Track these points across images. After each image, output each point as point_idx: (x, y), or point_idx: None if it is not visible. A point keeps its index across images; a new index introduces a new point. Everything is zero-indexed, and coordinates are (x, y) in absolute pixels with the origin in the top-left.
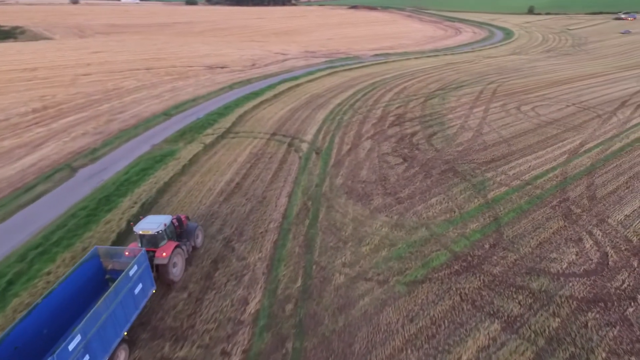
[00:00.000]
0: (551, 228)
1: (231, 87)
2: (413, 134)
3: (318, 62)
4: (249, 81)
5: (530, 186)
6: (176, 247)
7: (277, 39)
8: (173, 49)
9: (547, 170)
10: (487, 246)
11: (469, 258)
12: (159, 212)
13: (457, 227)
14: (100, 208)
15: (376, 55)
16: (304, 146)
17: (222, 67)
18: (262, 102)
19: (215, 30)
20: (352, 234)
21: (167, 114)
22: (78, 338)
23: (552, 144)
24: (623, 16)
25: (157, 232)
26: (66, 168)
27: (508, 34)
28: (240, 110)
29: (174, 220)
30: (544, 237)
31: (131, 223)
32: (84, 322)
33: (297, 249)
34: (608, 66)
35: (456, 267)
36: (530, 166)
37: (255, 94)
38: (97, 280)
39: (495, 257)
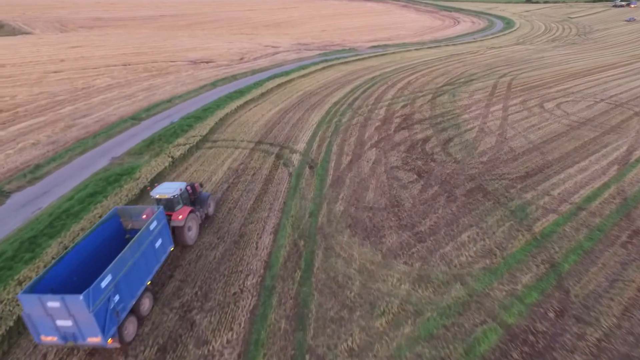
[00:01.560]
0: (633, 282)
1: (214, 84)
2: (425, 140)
3: (311, 55)
4: (234, 77)
5: (584, 212)
6: (191, 211)
7: (268, 31)
8: (156, 43)
9: (599, 189)
10: (551, 314)
11: (531, 338)
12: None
13: (502, 280)
14: (19, 257)
15: (373, 47)
16: (295, 158)
17: (207, 62)
18: (247, 102)
19: (204, 23)
20: (360, 293)
21: (136, 118)
22: (109, 277)
23: (594, 151)
24: (623, 3)
25: (173, 196)
26: None
27: (508, 23)
28: (221, 113)
29: (188, 187)
30: (628, 299)
31: (147, 187)
32: (113, 264)
33: (284, 324)
34: (623, 55)
35: (515, 355)
36: (576, 183)
37: (240, 93)
38: (117, 239)
39: (568, 336)
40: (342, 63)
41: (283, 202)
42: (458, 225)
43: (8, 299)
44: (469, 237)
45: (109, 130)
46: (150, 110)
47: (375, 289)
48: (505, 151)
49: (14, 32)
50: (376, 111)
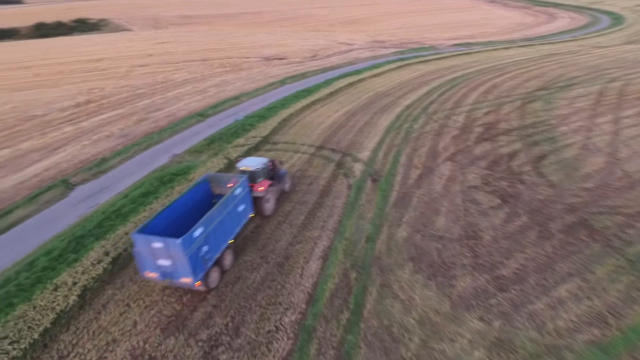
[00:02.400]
0: None
1: (283, 81)
2: (512, 156)
3: (386, 54)
4: (304, 75)
5: None
6: (270, 185)
7: (344, 28)
8: (235, 39)
9: None
10: None
11: None
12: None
13: None
14: (64, 257)
15: (455, 45)
16: (358, 168)
17: (280, 59)
18: (313, 102)
19: (282, 20)
20: (418, 355)
21: (202, 115)
22: (201, 229)
23: None
24: None
25: (256, 169)
26: (61, 185)
27: (617, 19)
28: (285, 112)
29: (269, 163)
30: None
31: (235, 160)
32: (204, 219)
33: None
34: None
35: None
36: None
37: (308, 92)
38: (205, 201)
39: None
40: (419, 62)
41: (338, 220)
42: (554, 273)
43: (40, 306)
44: (568, 291)
45: (176, 126)
46: (218, 107)
47: (439, 350)
48: (618, 176)
49: (116, 29)
50: (454, 117)
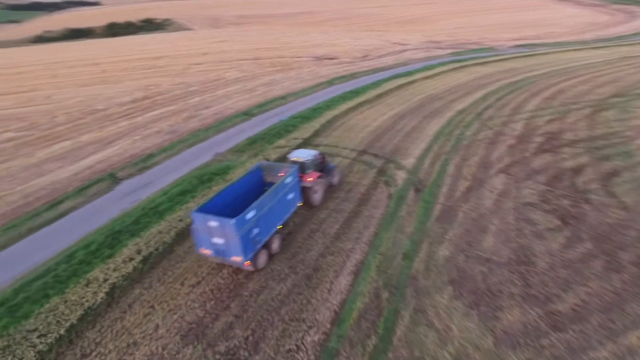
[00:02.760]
0: None
1: (331, 82)
2: (577, 171)
3: (441, 55)
4: (353, 76)
5: None
6: (319, 177)
7: (400, 28)
8: (288, 38)
9: None
10: None
11: None
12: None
13: None
14: (100, 252)
15: (518, 46)
16: (400, 176)
17: (330, 59)
18: (360, 104)
19: (336, 19)
20: None
21: (248, 114)
22: (253, 212)
23: None
24: None
25: (307, 160)
26: (107, 179)
27: None
28: (330, 114)
29: (319, 156)
30: None
31: (289, 153)
32: (256, 203)
33: None
34: None
35: None
36: None
37: (355, 93)
38: (257, 188)
39: None
40: (476, 64)
41: (374, 232)
42: (623, 315)
43: (71, 300)
44: None
45: (221, 124)
46: (264, 106)
47: None
48: None
49: (179, 28)
50: (512, 125)
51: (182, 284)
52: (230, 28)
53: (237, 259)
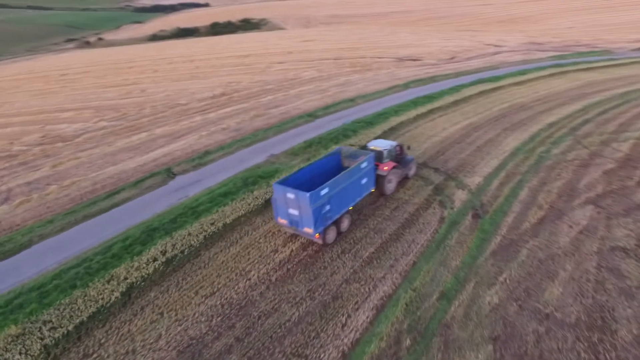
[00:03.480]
0: None
1: (407, 85)
2: None
3: (541, 58)
4: (432, 79)
5: None
6: (394, 167)
7: (501, 27)
8: (375, 38)
9: None
10: None
11: None
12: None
13: None
14: (132, 247)
15: None
16: (460, 197)
17: (413, 60)
18: (432, 111)
19: (432, 19)
20: None
21: (312, 115)
22: (326, 189)
23: None
24: None
25: (383, 150)
26: (163, 173)
27: None
28: (395, 120)
29: (398, 148)
30: None
31: (368, 142)
32: (331, 182)
33: None
34: None
35: None
36: None
37: (429, 98)
38: (334, 170)
39: None
40: (580, 69)
41: (413, 261)
42: None
43: (90, 296)
44: None
45: (284, 125)
46: (330, 108)
47: None
48: None
49: (273, 27)
50: (614, 145)
51: (196, 293)
52: (321, 28)
53: (308, 230)
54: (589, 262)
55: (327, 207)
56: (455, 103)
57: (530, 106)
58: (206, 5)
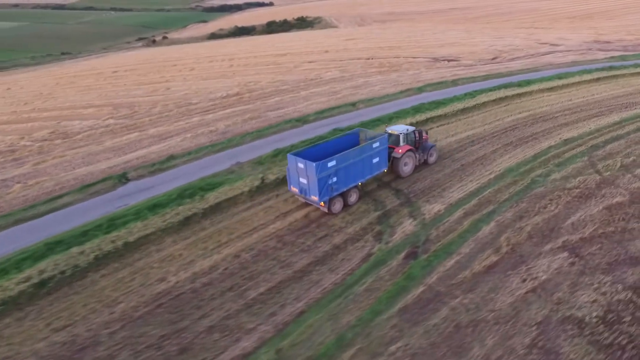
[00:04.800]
0: None
1: (421, 89)
2: None
3: (596, 59)
4: (454, 82)
5: None
6: (410, 150)
7: (570, 24)
8: (421, 37)
9: None
10: None
11: None
12: None
13: None
14: (23, 264)
15: None
16: (406, 228)
17: (448, 61)
18: (432, 119)
19: (494, 15)
20: None
21: (300, 120)
22: (334, 162)
23: None
24: None
25: (400, 134)
26: (115, 178)
27: None
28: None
29: (416, 133)
30: None
31: (385, 125)
32: (338, 156)
33: None
34: None
35: None
36: None
37: (437, 104)
38: (350, 148)
39: None
40: (637, 73)
41: (301, 310)
42: None
43: None
44: None
45: (267, 130)
46: (327, 112)
47: None
48: None
49: (326, 26)
50: (638, 171)
51: (47, 325)
52: (375, 25)
53: (314, 198)
54: (522, 336)
55: (334, 179)
56: (464, 111)
57: (554, 117)
58: (270, 4)
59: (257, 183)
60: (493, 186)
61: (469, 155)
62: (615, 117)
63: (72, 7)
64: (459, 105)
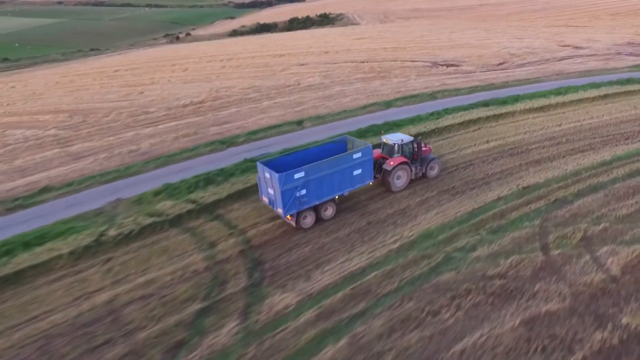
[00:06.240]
0: None
1: (389, 104)
2: None
3: (620, 67)
4: (432, 96)
5: None
6: (404, 163)
7: (611, 21)
8: (434, 36)
9: None
10: None
11: None
12: None
13: None
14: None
15: None
16: (220, 341)
17: (447, 65)
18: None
19: (526, 12)
20: None
21: (225, 142)
22: (302, 174)
23: None
24: None
25: (394, 144)
26: None
27: None
28: None
29: (415, 144)
30: None
31: (382, 132)
32: (307, 167)
33: None
34: None
35: None
36: None
37: (390, 126)
38: None
39: None
40: None
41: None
42: None
43: None
44: None
45: (185, 153)
46: (268, 131)
47: None
48: None
49: (348, 23)
50: (603, 251)
51: None
52: (396, 23)
53: (279, 210)
54: None
55: (303, 192)
56: (435, 132)
57: (527, 149)
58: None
59: (87, 241)
60: (387, 264)
61: (386, 207)
62: (605, 154)
63: (110, 4)
64: (413, 130)
